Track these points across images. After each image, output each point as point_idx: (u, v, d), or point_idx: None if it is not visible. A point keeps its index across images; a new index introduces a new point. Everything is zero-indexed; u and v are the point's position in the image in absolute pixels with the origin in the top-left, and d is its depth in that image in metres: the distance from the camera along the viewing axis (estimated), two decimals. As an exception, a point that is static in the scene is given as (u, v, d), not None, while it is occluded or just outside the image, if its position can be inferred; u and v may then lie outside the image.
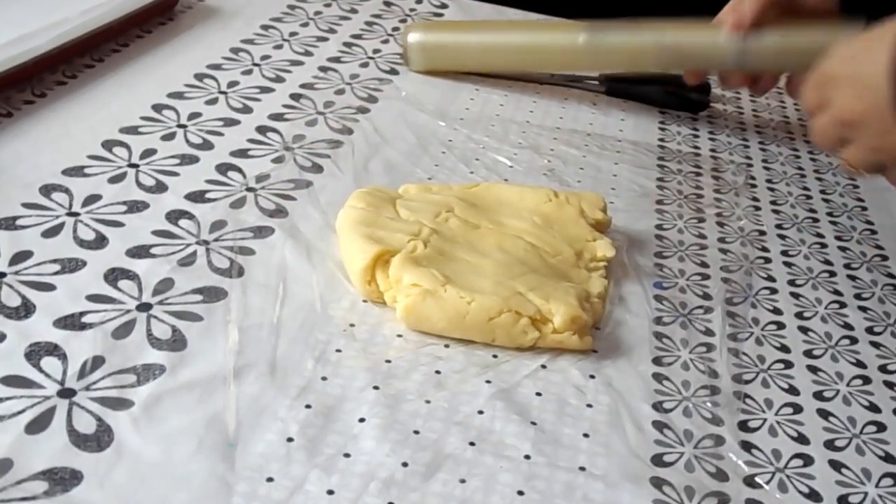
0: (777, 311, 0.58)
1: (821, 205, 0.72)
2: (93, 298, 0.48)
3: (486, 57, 0.80)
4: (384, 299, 0.52)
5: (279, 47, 0.83)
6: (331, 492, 0.40)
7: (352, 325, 0.50)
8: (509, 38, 0.80)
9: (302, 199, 0.61)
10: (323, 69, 0.80)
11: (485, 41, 0.80)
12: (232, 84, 0.74)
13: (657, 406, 0.48)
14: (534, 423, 0.46)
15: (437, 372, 0.48)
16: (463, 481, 0.42)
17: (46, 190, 0.57)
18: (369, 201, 0.56)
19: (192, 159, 0.63)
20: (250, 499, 0.39)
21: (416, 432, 0.44)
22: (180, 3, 0.86)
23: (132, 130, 0.65)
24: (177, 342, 0.47)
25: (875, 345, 0.56)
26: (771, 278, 0.61)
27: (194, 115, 0.68)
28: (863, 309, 0.59)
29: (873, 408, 0.51)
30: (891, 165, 0.53)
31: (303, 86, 0.76)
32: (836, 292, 0.61)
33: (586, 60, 0.77)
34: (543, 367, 0.50)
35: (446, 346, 0.50)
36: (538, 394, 0.48)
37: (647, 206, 0.67)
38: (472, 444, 0.44)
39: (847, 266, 0.64)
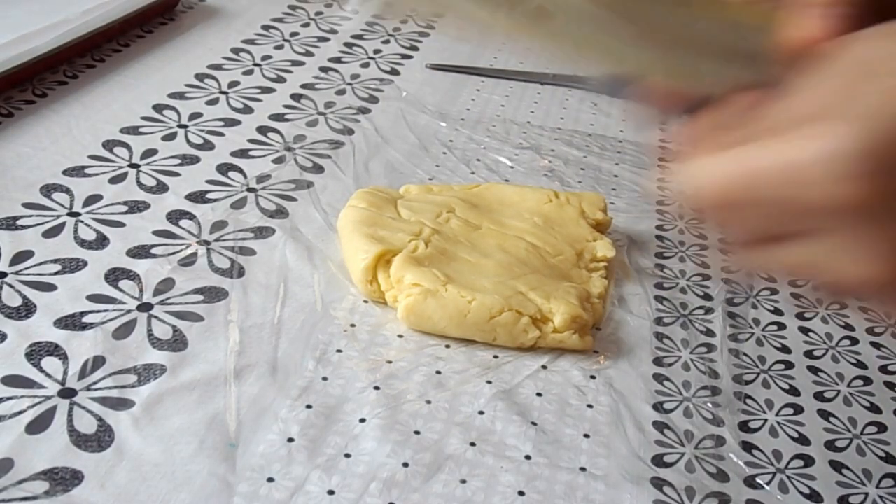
0: (778, 312, 0.58)
1: (822, 205, 0.72)
2: (93, 298, 0.48)
3: None
4: (385, 299, 0.52)
5: (280, 47, 0.83)
6: (331, 492, 0.40)
7: (353, 326, 0.50)
8: None
9: (303, 199, 0.61)
10: (324, 69, 0.80)
11: None
12: (233, 84, 0.74)
13: (658, 406, 0.48)
14: (534, 424, 0.46)
15: (438, 372, 0.48)
16: (464, 482, 0.42)
17: (47, 190, 0.57)
18: (371, 201, 0.56)
19: (193, 159, 0.63)
20: (251, 499, 0.39)
21: (417, 433, 0.44)
22: (181, 3, 0.86)
23: (133, 130, 0.65)
24: (177, 342, 0.47)
25: (876, 345, 0.56)
26: (772, 279, 0.61)
27: (195, 116, 0.68)
28: (863, 310, 0.59)
29: (874, 408, 0.51)
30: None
31: (304, 86, 0.76)
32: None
33: None
34: (544, 367, 0.50)
35: (447, 346, 0.50)
36: (539, 394, 0.48)
37: (648, 206, 0.67)
38: (472, 444, 0.44)
39: (848, 267, 0.64)
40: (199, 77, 0.74)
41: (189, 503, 0.38)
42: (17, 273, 0.49)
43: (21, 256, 0.51)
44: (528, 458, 0.44)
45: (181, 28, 0.83)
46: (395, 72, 0.82)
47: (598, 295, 0.53)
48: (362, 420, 0.44)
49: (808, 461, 0.46)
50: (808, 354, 0.54)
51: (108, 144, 0.63)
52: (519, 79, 0.85)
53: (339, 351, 0.48)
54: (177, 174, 0.61)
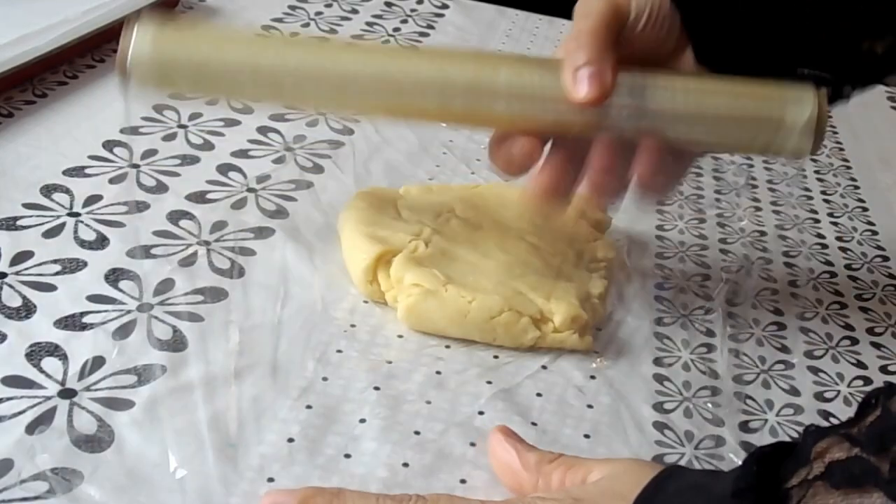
0: (778, 312, 0.58)
1: (822, 205, 0.72)
2: (94, 299, 0.48)
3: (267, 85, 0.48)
4: (385, 299, 0.52)
5: (280, 48, 0.83)
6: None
7: (353, 326, 0.50)
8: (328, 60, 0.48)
9: (303, 199, 0.61)
10: (324, 69, 0.80)
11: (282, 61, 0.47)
12: (233, 84, 0.74)
13: (658, 407, 0.48)
14: (534, 424, 0.46)
15: (438, 373, 0.48)
16: (464, 482, 0.42)
17: (47, 190, 0.57)
18: (371, 201, 0.56)
19: (193, 160, 0.63)
20: (251, 499, 0.39)
21: (417, 433, 0.44)
22: (181, 3, 0.86)
23: (133, 131, 0.65)
24: (177, 342, 0.47)
25: (876, 345, 0.56)
26: (772, 279, 0.61)
27: (195, 116, 0.68)
28: (864, 310, 0.59)
29: (874, 409, 0.51)
30: None
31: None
32: (837, 293, 0.61)
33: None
34: (544, 367, 0.50)
35: (447, 346, 0.50)
36: (539, 394, 0.48)
37: (648, 206, 0.67)
38: (472, 444, 0.44)
39: (848, 267, 0.64)
40: (199, 77, 0.74)
41: (189, 503, 0.38)
42: (17, 273, 0.49)
43: (21, 257, 0.51)
44: (528, 458, 0.43)
45: (181, 28, 0.83)
46: (395, 72, 0.82)
47: (598, 295, 0.53)
48: (362, 420, 0.44)
49: (808, 461, 0.46)
50: (808, 354, 0.54)
51: (109, 145, 0.63)
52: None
53: (339, 351, 0.48)
54: (177, 174, 0.61)
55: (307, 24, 0.89)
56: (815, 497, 0.30)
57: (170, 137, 0.65)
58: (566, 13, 0.91)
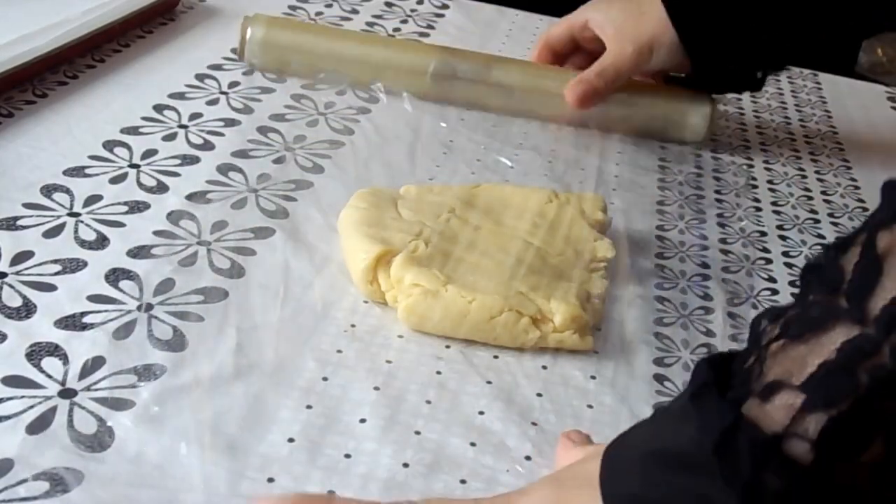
0: (778, 312, 0.58)
1: (822, 206, 0.72)
2: (94, 299, 0.48)
3: (332, 64, 0.77)
4: (385, 299, 0.52)
5: (280, 48, 0.83)
6: (331, 492, 0.40)
7: (353, 326, 0.50)
8: (360, 49, 0.78)
9: (303, 199, 0.61)
10: (324, 69, 0.80)
11: (334, 48, 0.77)
12: (233, 84, 0.74)
13: (658, 407, 0.48)
14: (534, 424, 0.46)
15: (438, 373, 0.48)
16: (464, 482, 0.42)
17: (47, 190, 0.57)
18: (371, 201, 0.57)
19: (193, 160, 0.63)
20: (251, 499, 0.39)
21: (417, 433, 0.44)
22: (181, 3, 0.86)
23: (133, 131, 0.65)
24: (177, 342, 0.47)
25: (876, 346, 0.56)
26: (772, 279, 0.61)
27: (195, 116, 0.68)
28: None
29: (874, 409, 0.51)
30: None
31: (304, 86, 0.76)
32: (837, 293, 0.61)
33: (432, 90, 0.76)
34: (544, 367, 0.50)
35: (447, 346, 0.50)
36: (539, 395, 0.48)
37: (648, 206, 0.67)
38: (472, 444, 0.44)
39: (848, 267, 0.64)
40: (200, 77, 0.74)
41: (189, 503, 0.38)
42: (17, 273, 0.49)
43: (21, 257, 0.51)
44: (528, 458, 0.44)
45: (181, 28, 0.83)
46: (395, 72, 0.82)
47: (598, 295, 0.53)
48: (362, 420, 0.44)
49: (809, 461, 0.46)
50: (809, 354, 0.54)
51: (109, 145, 0.63)
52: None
53: (339, 351, 0.48)
54: (177, 174, 0.61)
55: (307, 24, 0.89)
56: (778, 356, 0.29)
57: (170, 137, 0.65)
58: (565, 13, 0.91)
